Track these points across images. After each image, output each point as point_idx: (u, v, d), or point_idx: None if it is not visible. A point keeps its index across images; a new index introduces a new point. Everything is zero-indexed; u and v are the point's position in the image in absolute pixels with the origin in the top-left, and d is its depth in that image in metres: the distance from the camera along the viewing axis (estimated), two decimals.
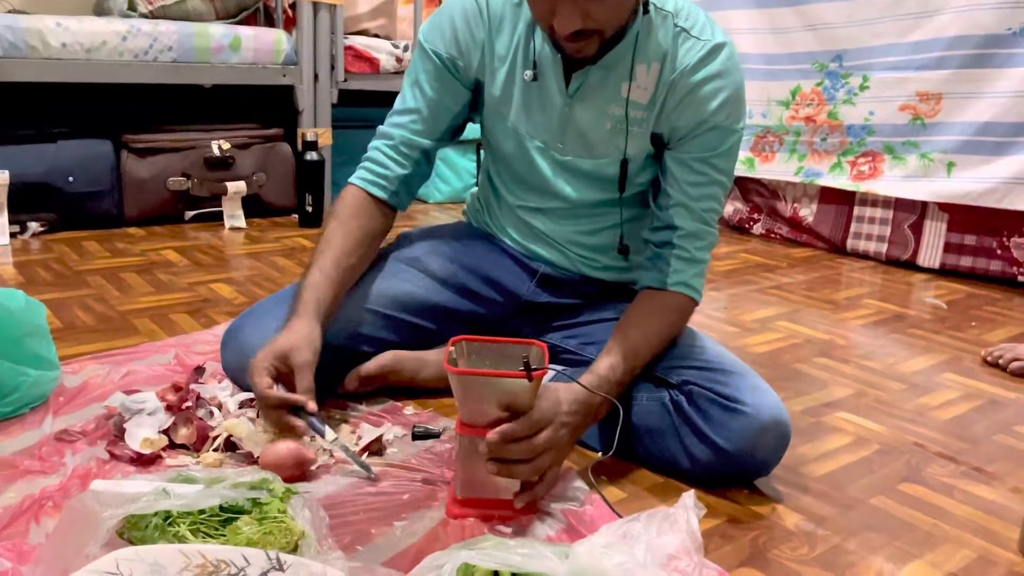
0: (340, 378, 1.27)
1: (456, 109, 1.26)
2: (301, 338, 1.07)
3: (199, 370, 1.23)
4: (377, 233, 1.26)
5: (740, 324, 1.90)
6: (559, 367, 1.29)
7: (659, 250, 1.18)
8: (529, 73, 1.17)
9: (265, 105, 2.83)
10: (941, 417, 1.42)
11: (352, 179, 1.27)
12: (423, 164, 1.28)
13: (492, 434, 0.94)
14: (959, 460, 1.26)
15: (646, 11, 1.11)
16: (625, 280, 1.31)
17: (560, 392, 1.02)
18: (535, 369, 0.95)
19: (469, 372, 0.98)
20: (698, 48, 1.12)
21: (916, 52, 2.44)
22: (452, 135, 1.29)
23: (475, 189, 1.46)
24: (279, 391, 1.05)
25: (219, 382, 1.25)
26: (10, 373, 1.16)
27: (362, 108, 2.85)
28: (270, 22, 3.06)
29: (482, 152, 1.43)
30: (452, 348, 1.02)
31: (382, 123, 1.29)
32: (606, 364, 1.08)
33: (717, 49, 1.12)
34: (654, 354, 1.13)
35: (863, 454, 1.26)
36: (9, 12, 2.51)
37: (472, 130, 1.35)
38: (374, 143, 1.28)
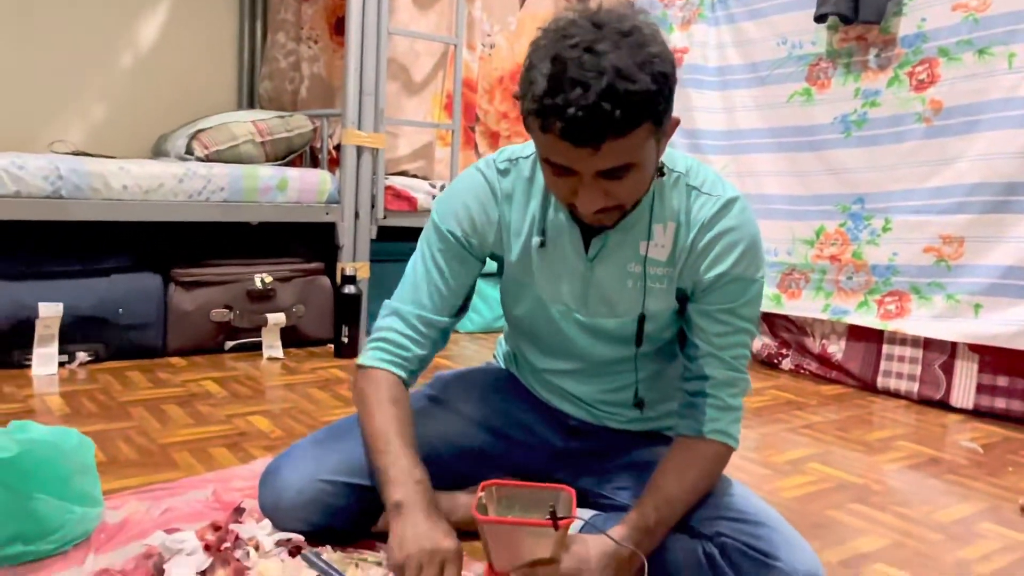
0: (374, 518, 1.29)
1: (471, 283, 1.28)
2: (442, 535, 1.05)
3: (238, 510, 1.26)
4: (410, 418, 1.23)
5: (772, 466, 1.89)
6: (588, 515, 1.30)
7: (693, 399, 1.20)
8: (536, 240, 1.20)
9: (307, 240, 2.96)
10: (982, 572, 1.39)
11: (373, 361, 1.24)
12: (440, 342, 1.29)
13: None
14: None
15: (661, 174, 1.17)
16: (652, 429, 1.34)
17: (589, 546, 1.03)
18: (562, 518, 0.97)
19: (496, 520, 1.00)
20: (711, 204, 1.17)
21: (936, 197, 2.51)
22: (465, 307, 1.31)
23: (504, 333, 1.51)
24: None
25: (257, 521, 1.27)
26: (58, 511, 1.19)
27: (398, 243, 2.97)
28: (315, 162, 3.24)
29: None
30: (482, 494, 1.04)
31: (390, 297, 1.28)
32: (638, 514, 1.09)
33: (730, 203, 1.17)
34: (689, 504, 1.14)
35: None
36: (71, 153, 2.69)
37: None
38: (388, 321, 1.25)
